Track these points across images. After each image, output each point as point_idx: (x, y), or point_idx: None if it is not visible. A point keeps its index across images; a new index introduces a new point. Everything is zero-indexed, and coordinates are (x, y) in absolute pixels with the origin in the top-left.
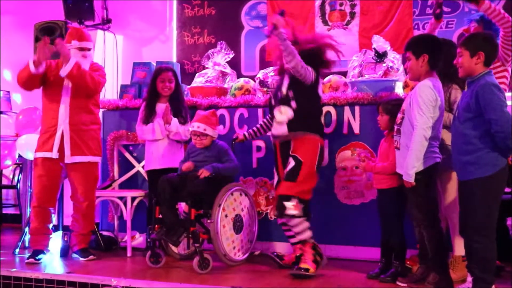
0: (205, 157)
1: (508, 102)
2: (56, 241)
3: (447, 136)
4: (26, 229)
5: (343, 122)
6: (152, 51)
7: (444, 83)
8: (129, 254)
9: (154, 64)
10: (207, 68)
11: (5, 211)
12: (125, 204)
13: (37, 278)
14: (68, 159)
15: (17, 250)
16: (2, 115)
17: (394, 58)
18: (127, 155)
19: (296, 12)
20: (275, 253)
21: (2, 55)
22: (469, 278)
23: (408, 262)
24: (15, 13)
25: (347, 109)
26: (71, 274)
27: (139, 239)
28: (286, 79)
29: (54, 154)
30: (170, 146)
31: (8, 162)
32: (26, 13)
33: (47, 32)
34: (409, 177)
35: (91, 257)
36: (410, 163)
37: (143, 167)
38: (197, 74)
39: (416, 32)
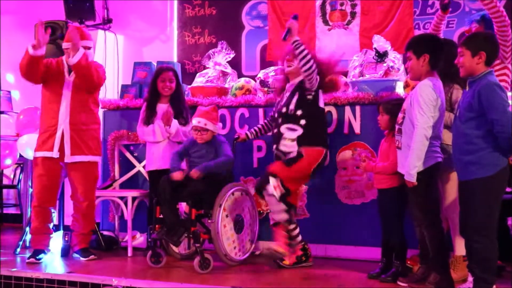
0: (205, 153)
1: (510, 101)
2: (57, 241)
3: (447, 136)
4: (27, 229)
5: (343, 122)
6: (153, 51)
7: (445, 83)
8: (129, 254)
9: (155, 64)
10: (208, 68)
11: (6, 211)
12: (125, 204)
13: (38, 278)
14: (68, 158)
15: (18, 250)
16: (2, 115)
17: (394, 58)
18: (128, 155)
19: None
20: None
21: (3, 55)
22: (470, 278)
23: (408, 262)
24: (15, 13)
25: (347, 109)
26: (72, 274)
27: (140, 239)
28: (295, 97)
29: (55, 154)
30: (171, 147)
31: (9, 161)
32: (27, 13)
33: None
34: (411, 177)
35: (92, 257)
36: (412, 162)
37: (143, 167)
38: (198, 74)
39: (417, 32)
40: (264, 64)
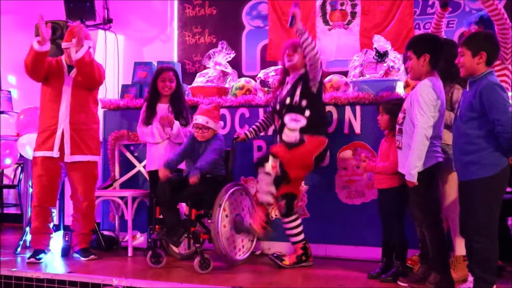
0: (204, 151)
1: (511, 102)
2: (57, 240)
3: (447, 136)
4: (27, 229)
5: (344, 122)
6: (153, 51)
7: (446, 83)
8: (130, 254)
9: (155, 64)
10: (208, 68)
11: (6, 210)
12: (126, 204)
13: (38, 278)
14: (68, 158)
15: (18, 249)
16: (3, 115)
17: (395, 58)
18: (128, 155)
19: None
20: (275, 254)
21: (3, 55)
22: (470, 278)
23: (409, 262)
24: (16, 13)
25: (348, 109)
26: (72, 274)
27: (140, 239)
28: (298, 89)
29: (55, 153)
30: (171, 147)
31: (9, 161)
32: (27, 13)
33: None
34: (412, 177)
35: (92, 256)
36: (412, 162)
37: (144, 167)
38: (198, 74)
39: (417, 32)
40: (265, 64)
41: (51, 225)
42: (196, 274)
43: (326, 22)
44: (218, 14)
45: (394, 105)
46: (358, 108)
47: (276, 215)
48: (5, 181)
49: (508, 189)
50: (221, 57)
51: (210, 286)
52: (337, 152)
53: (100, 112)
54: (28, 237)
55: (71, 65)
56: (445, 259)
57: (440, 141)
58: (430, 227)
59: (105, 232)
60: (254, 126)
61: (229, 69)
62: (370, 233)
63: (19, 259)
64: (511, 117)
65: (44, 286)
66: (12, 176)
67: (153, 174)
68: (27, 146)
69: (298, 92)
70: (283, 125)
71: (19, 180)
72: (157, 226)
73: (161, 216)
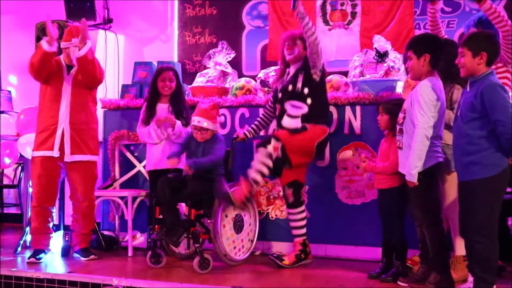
0: (203, 150)
1: None
2: (57, 240)
3: (447, 136)
4: (27, 229)
5: (344, 122)
6: (153, 51)
7: (446, 82)
8: (130, 254)
9: (156, 64)
10: (208, 68)
11: (7, 210)
12: (126, 204)
13: (38, 278)
14: (68, 157)
15: (19, 249)
16: (3, 115)
17: (395, 58)
18: (128, 154)
19: None
20: (275, 254)
21: (4, 55)
22: (470, 278)
23: (409, 262)
24: (16, 13)
25: (348, 109)
26: (72, 274)
27: (140, 239)
28: (300, 76)
29: (55, 153)
30: (171, 147)
31: (9, 161)
32: (27, 13)
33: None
34: (412, 177)
35: (92, 256)
36: (412, 162)
37: (144, 167)
38: (198, 74)
39: (417, 32)
40: (265, 64)
41: (50, 225)
42: (196, 274)
43: (326, 22)
44: (218, 14)
45: (394, 105)
46: (358, 108)
47: (276, 215)
48: (5, 181)
49: (508, 189)
50: (221, 57)
51: (210, 286)
52: (337, 152)
53: (100, 112)
54: (28, 237)
55: (70, 64)
56: (445, 259)
57: (441, 141)
58: (430, 227)
59: (105, 232)
60: (253, 125)
61: (229, 69)
62: (370, 233)
63: (19, 259)
64: None
65: (44, 286)
66: (12, 176)
67: (153, 174)
68: (27, 146)
69: (300, 79)
70: (283, 111)
71: (19, 180)
72: (156, 226)
73: (161, 216)
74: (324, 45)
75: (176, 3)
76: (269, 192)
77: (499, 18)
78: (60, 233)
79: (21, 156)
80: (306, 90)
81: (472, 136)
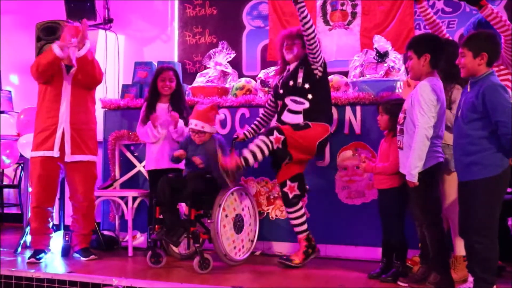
0: (203, 152)
1: None
2: (57, 240)
3: (447, 137)
4: (27, 229)
5: (344, 122)
6: (154, 51)
7: (446, 83)
8: (130, 253)
9: (156, 64)
10: (209, 68)
11: (7, 210)
12: (126, 204)
13: (38, 278)
14: (69, 157)
15: (19, 249)
16: (3, 115)
17: (395, 58)
18: (129, 154)
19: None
20: (284, 257)
21: (5, 55)
22: (470, 278)
23: (409, 262)
24: (16, 13)
25: (348, 109)
26: (72, 274)
27: (140, 238)
28: (300, 71)
29: (55, 153)
30: (171, 146)
31: (9, 161)
32: (27, 13)
33: (49, 32)
34: (412, 177)
35: (92, 256)
36: (413, 162)
37: (144, 167)
38: (198, 74)
39: (418, 32)
40: (265, 64)
41: (50, 225)
42: (196, 274)
43: (326, 22)
44: (218, 14)
45: (394, 105)
46: (358, 108)
47: (276, 215)
48: (6, 181)
49: (509, 190)
50: (221, 57)
51: (210, 286)
52: (337, 152)
53: (101, 112)
54: (28, 238)
55: (69, 64)
56: (445, 259)
57: (441, 140)
58: (430, 227)
59: (105, 232)
60: (253, 125)
61: (229, 69)
62: (370, 233)
63: (19, 259)
64: None
65: (44, 286)
66: (12, 176)
67: (153, 173)
68: (27, 146)
69: (301, 74)
70: (284, 106)
71: (20, 180)
72: (157, 226)
73: (161, 216)
74: (324, 45)
75: (176, 3)
76: (269, 192)
77: (501, 23)
78: (60, 233)
79: (21, 156)
80: (307, 85)
81: (473, 137)
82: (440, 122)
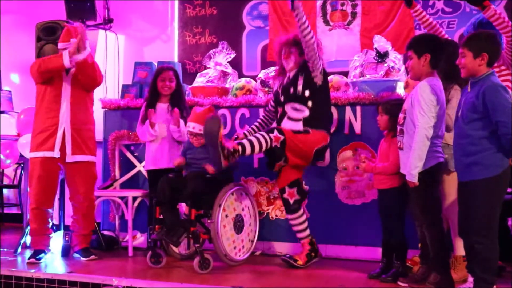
0: (202, 155)
1: None
2: (57, 240)
3: (446, 137)
4: (27, 229)
5: (344, 122)
6: (154, 51)
7: (446, 83)
8: (130, 254)
9: (156, 64)
10: (209, 68)
11: (7, 210)
12: (126, 204)
13: (38, 278)
14: (70, 158)
15: (19, 250)
16: (3, 115)
17: (395, 58)
18: (129, 154)
19: None
20: (287, 255)
21: (6, 54)
22: (470, 279)
23: (409, 262)
24: (16, 13)
25: (348, 109)
26: (72, 274)
27: (140, 239)
28: (300, 79)
29: (56, 153)
30: (170, 146)
31: (9, 161)
32: (27, 13)
33: (49, 32)
34: (412, 177)
35: (92, 257)
36: (413, 162)
37: (144, 167)
38: (198, 74)
39: (418, 32)
40: (265, 64)
41: (50, 225)
42: (196, 274)
43: (326, 22)
44: (218, 14)
45: (393, 106)
46: (358, 108)
47: (276, 215)
48: (6, 181)
49: (509, 190)
50: (221, 57)
51: (210, 286)
52: (338, 152)
53: (101, 112)
54: (28, 238)
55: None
56: (445, 259)
57: (441, 140)
58: (431, 227)
59: (105, 232)
60: (253, 126)
61: (229, 69)
62: (370, 233)
63: (19, 259)
64: None
65: (44, 286)
66: (12, 176)
67: (152, 173)
68: (28, 146)
69: (300, 82)
70: (284, 113)
71: (20, 180)
72: (157, 226)
73: (161, 216)
74: (324, 45)
75: (176, 3)
76: (269, 192)
77: (503, 24)
78: (60, 233)
79: (21, 156)
80: (307, 93)
81: (474, 137)
82: (440, 122)
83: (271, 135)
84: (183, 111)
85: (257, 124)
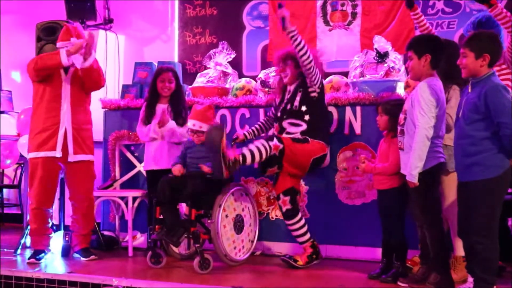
0: (203, 153)
1: None
2: (57, 240)
3: (446, 137)
4: (27, 229)
5: (344, 122)
6: (154, 51)
7: (446, 83)
8: (130, 254)
9: (156, 64)
10: (209, 68)
11: (7, 210)
12: (126, 204)
13: (38, 278)
14: (71, 157)
15: (19, 250)
16: (3, 115)
17: (395, 59)
18: (129, 155)
19: (298, 13)
20: (287, 255)
21: (7, 54)
22: (470, 279)
23: (409, 262)
24: (17, 13)
25: (348, 110)
26: (72, 274)
27: (140, 239)
28: (298, 95)
29: (58, 153)
30: (169, 147)
31: (9, 161)
32: (28, 13)
33: (49, 32)
34: (413, 178)
35: (92, 257)
36: (413, 163)
37: (143, 167)
38: (198, 74)
39: (418, 32)
40: (265, 65)
41: (49, 225)
42: (196, 274)
43: (326, 22)
44: (218, 14)
45: (393, 106)
46: (358, 108)
47: (276, 215)
48: (6, 181)
49: (509, 190)
50: (221, 58)
51: (210, 286)
52: (338, 152)
53: (101, 112)
54: (28, 238)
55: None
56: (446, 259)
57: (442, 141)
58: (431, 227)
59: (105, 232)
60: (253, 128)
61: (229, 70)
62: (370, 234)
63: (19, 259)
64: None
65: (44, 286)
66: (12, 176)
67: (151, 173)
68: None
69: (298, 98)
70: (283, 129)
71: (20, 180)
72: (157, 226)
73: (161, 216)
74: (325, 46)
75: (176, 3)
76: (269, 192)
77: (509, 24)
78: (60, 233)
79: (21, 156)
80: (303, 108)
81: (475, 137)
82: (441, 122)
83: (270, 143)
84: (183, 111)
85: (257, 126)
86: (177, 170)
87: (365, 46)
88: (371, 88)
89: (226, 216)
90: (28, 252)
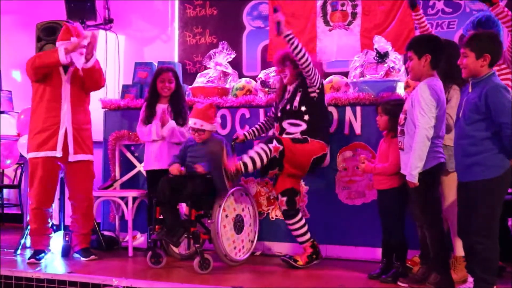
0: (203, 152)
1: None
2: (57, 240)
3: (445, 138)
4: (27, 230)
5: (344, 122)
6: (154, 51)
7: (446, 83)
8: (130, 254)
9: (156, 64)
10: (209, 68)
11: (7, 210)
12: (126, 204)
13: (38, 278)
14: (72, 157)
15: (19, 250)
16: (3, 115)
17: (395, 59)
18: (129, 155)
19: (298, 13)
20: (287, 256)
21: (8, 53)
22: (470, 279)
23: (409, 263)
24: (16, 13)
25: (348, 110)
26: (72, 274)
27: (140, 239)
28: (298, 95)
29: (58, 153)
30: (169, 147)
31: (9, 161)
32: (28, 13)
33: (49, 32)
34: (413, 178)
35: (92, 257)
36: (413, 163)
37: (143, 167)
38: (198, 74)
39: (418, 33)
40: (265, 65)
41: (49, 224)
42: (196, 274)
43: (326, 22)
44: (218, 15)
45: (393, 106)
46: (358, 108)
47: (276, 215)
48: (6, 181)
49: (509, 190)
50: (221, 58)
51: (210, 286)
52: (338, 152)
53: (101, 112)
54: (28, 238)
55: (67, 65)
56: (446, 259)
57: (442, 140)
58: (431, 227)
59: (106, 232)
60: (254, 128)
61: (229, 70)
62: (370, 234)
63: (19, 259)
64: None
65: (44, 286)
66: (12, 176)
67: (151, 173)
68: None
69: (297, 98)
70: (283, 130)
71: (20, 180)
72: (157, 226)
73: (161, 216)
74: (325, 46)
75: (176, 3)
76: (269, 192)
77: (510, 22)
78: (60, 233)
79: (21, 156)
80: (303, 108)
81: (476, 137)
82: (441, 122)
83: (270, 145)
84: (182, 111)
85: (257, 126)
86: (175, 169)
87: (365, 46)
88: (371, 88)
89: (226, 216)
90: (28, 252)
